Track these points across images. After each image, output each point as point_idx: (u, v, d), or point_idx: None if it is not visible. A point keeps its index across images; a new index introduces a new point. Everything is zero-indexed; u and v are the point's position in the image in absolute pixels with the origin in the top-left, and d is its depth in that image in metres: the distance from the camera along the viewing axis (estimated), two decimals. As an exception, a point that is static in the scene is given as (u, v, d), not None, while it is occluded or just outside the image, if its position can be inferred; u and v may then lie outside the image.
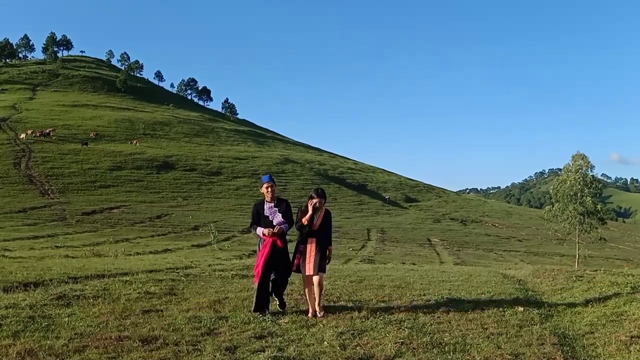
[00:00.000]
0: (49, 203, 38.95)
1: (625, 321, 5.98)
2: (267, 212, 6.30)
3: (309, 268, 6.28)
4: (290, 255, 6.50)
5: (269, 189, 6.31)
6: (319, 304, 6.27)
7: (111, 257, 14.59)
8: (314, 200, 6.37)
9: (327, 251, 6.49)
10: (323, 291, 6.52)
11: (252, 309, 6.08)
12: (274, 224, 6.24)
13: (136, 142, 65.06)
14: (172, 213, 39.41)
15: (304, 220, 6.30)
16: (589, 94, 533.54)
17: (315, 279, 6.28)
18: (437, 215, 57.90)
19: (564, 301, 7.43)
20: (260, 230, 6.28)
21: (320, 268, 6.30)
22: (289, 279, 6.52)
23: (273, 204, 6.34)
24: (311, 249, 6.34)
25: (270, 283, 6.30)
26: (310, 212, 6.35)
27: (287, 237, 6.53)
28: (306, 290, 6.38)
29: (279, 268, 6.26)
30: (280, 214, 6.30)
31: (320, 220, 6.44)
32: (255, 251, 7.14)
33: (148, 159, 57.41)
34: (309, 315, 6.17)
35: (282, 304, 6.47)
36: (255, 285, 6.18)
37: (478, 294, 7.80)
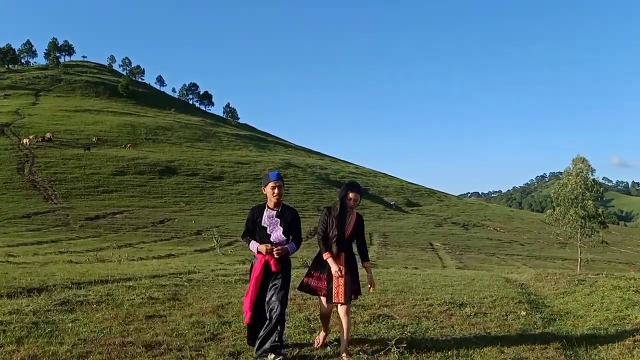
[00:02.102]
0: (52, 208, 39.05)
1: (628, 325, 5.98)
2: (265, 222, 4.71)
3: (338, 293, 4.70)
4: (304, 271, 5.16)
5: (276, 190, 4.69)
6: (347, 345, 4.71)
7: (114, 263, 14.63)
8: (352, 195, 4.78)
9: (366, 271, 4.94)
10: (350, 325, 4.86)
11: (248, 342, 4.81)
12: (271, 239, 4.68)
13: (130, 146, 65.24)
14: (175, 218, 39.47)
15: (336, 273, 4.68)
16: (589, 97, 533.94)
17: (343, 309, 4.73)
18: (439, 219, 57.85)
19: (566, 305, 7.43)
20: (253, 246, 4.72)
21: (352, 294, 4.80)
22: (286, 307, 4.73)
23: (275, 212, 4.74)
24: (341, 264, 4.77)
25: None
26: (336, 269, 4.69)
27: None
28: (324, 319, 4.95)
29: (271, 302, 4.61)
30: (281, 228, 4.70)
31: (352, 227, 4.85)
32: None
33: (150, 163, 57.54)
34: (318, 340, 4.95)
35: (279, 348, 4.55)
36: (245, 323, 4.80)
37: (481, 298, 7.80)
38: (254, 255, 4.79)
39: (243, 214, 43.60)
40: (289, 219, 4.76)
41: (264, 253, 4.62)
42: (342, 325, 4.72)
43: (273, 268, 4.61)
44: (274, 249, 4.61)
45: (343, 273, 4.70)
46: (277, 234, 4.69)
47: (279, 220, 4.72)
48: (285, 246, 4.69)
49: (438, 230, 48.90)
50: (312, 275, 4.88)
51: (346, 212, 4.83)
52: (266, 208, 4.78)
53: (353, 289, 4.80)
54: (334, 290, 4.71)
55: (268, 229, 4.70)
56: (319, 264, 4.86)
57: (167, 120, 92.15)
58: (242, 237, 4.94)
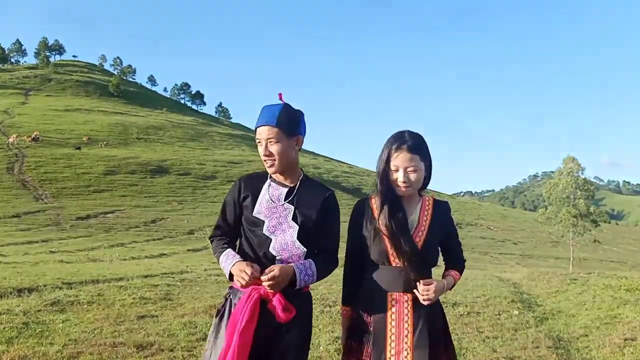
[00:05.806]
0: (42, 208, 38.74)
1: (619, 324, 6.02)
2: (261, 208, 2.11)
3: None
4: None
5: (263, 144, 2.17)
6: None
7: (106, 262, 14.53)
8: (400, 158, 2.22)
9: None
10: None
11: None
12: (270, 249, 2.05)
13: (106, 144, 64.95)
14: (167, 217, 39.28)
15: None
16: (580, 97, 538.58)
17: None
18: (432, 218, 58.01)
19: (558, 304, 7.47)
20: (226, 262, 2.06)
21: None
22: None
23: (287, 189, 2.15)
24: (400, 326, 2.11)
25: None
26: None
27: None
28: None
29: None
30: (295, 225, 2.08)
31: (425, 234, 2.27)
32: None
33: (142, 163, 57.25)
34: None
35: None
36: None
37: (474, 297, 7.82)
38: (228, 282, 2.13)
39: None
40: (316, 206, 2.14)
41: (243, 283, 1.95)
42: None
43: (281, 316, 1.98)
44: (269, 274, 1.93)
45: (412, 325, 2.14)
46: (284, 236, 2.08)
47: (291, 207, 2.12)
48: (295, 265, 2.03)
49: (431, 230, 49.04)
50: (352, 349, 2.19)
51: (401, 201, 2.28)
52: (269, 181, 2.21)
53: None
54: None
55: (267, 225, 2.09)
56: (358, 327, 2.18)
57: (159, 119, 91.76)
58: (212, 238, 2.25)
